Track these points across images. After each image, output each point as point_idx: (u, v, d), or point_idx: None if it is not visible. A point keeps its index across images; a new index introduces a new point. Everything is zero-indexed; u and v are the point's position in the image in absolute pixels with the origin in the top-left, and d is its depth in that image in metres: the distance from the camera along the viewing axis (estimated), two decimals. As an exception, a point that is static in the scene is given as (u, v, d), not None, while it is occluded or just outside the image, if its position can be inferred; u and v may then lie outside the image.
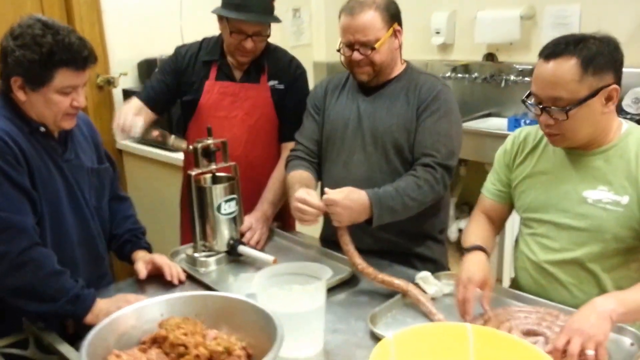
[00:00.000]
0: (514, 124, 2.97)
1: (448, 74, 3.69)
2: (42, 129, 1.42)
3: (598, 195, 1.39)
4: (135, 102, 1.98)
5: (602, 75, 1.31)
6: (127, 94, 2.92)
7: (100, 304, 1.36)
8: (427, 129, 1.66)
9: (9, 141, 1.33)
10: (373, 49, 1.62)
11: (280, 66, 1.99)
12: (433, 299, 1.38)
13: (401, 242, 1.72)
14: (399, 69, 1.76)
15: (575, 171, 1.44)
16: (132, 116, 1.76)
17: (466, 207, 3.82)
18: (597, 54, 1.31)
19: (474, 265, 1.38)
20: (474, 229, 1.60)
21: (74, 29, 1.42)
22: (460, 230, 3.55)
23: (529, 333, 1.18)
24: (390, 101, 1.70)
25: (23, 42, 1.33)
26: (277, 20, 1.92)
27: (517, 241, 1.64)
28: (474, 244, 1.48)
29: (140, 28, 3.02)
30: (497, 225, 1.65)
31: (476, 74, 3.58)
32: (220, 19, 1.90)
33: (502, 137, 2.89)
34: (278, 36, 3.56)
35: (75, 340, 1.31)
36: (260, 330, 1.08)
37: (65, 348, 1.28)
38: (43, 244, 1.40)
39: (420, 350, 1.02)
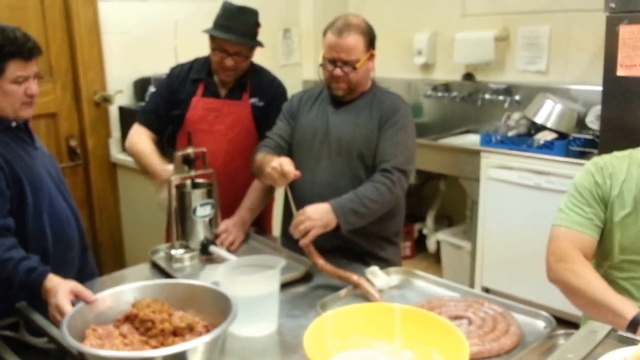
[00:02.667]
0: (486, 139, 3.14)
1: (429, 93, 3.88)
2: (14, 123, 1.61)
3: None
4: (142, 131, 2.18)
5: None
6: (123, 111, 3.12)
7: (51, 281, 1.43)
8: (387, 139, 1.84)
9: None
10: (354, 68, 1.81)
11: (262, 85, 2.19)
12: (380, 290, 1.55)
13: (359, 243, 1.88)
14: (367, 87, 1.95)
15: None
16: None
17: (445, 220, 3.98)
18: None
19: None
20: (599, 282, 1.40)
21: (19, 27, 1.61)
22: (438, 242, 3.71)
23: (456, 317, 1.34)
24: (356, 114, 1.89)
25: None
26: (257, 44, 2.12)
27: None
28: (634, 315, 1.30)
29: (136, 48, 3.21)
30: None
31: (455, 93, 3.77)
32: (210, 39, 2.11)
33: (476, 153, 3.12)
34: (269, 55, 3.81)
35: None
36: (221, 312, 1.24)
37: (54, 331, 1.41)
38: (41, 226, 1.59)
39: (354, 326, 1.19)
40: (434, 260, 3.82)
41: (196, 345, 1.13)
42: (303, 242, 1.63)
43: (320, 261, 1.62)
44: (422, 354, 1.14)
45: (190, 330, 1.23)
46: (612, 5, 2.51)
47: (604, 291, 1.39)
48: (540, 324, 1.35)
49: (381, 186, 1.77)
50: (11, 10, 2.79)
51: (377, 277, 1.58)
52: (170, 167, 1.91)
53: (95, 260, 3.16)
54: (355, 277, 1.55)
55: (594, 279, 1.43)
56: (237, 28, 2.05)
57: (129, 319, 1.26)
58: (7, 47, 1.53)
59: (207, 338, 1.15)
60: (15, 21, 2.73)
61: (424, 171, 3.51)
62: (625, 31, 2.46)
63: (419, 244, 4.03)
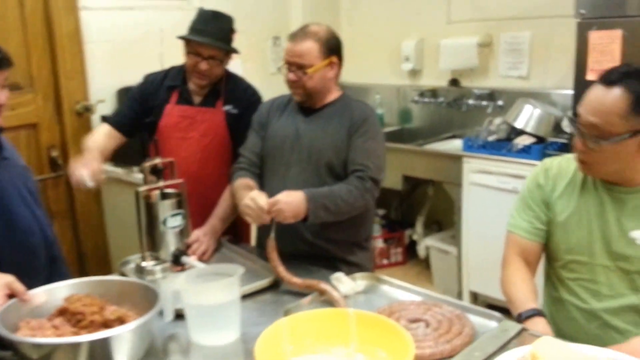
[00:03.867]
0: (467, 144, 3.16)
1: (417, 98, 3.91)
2: None
3: None
4: (102, 128, 2.22)
5: None
6: (105, 121, 3.13)
7: None
8: (358, 147, 1.86)
9: None
10: (305, 73, 1.83)
11: (236, 93, 2.19)
12: (346, 296, 1.55)
13: (330, 249, 1.89)
14: (334, 95, 1.96)
15: (619, 210, 1.37)
16: (79, 171, 1.89)
17: (435, 225, 3.99)
18: None
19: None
20: (520, 284, 1.46)
21: None
22: (427, 248, 3.71)
23: (414, 320, 1.35)
24: (326, 122, 1.90)
25: None
26: (231, 49, 2.13)
27: (551, 285, 1.55)
28: (532, 307, 1.37)
29: (120, 57, 3.21)
30: (534, 267, 1.54)
31: (442, 98, 3.80)
32: (185, 43, 2.12)
33: (458, 158, 3.13)
34: (259, 63, 3.83)
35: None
36: (152, 305, 1.31)
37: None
38: None
39: (310, 331, 1.19)
40: (425, 266, 3.83)
41: (119, 333, 1.21)
42: (272, 219, 1.66)
43: (286, 275, 1.63)
44: (373, 357, 1.14)
45: (120, 322, 1.29)
46: (582, 11, 2.55)
47: (516, 291, 1.44)
48: (493, 324, 1.36)
49: (354, 190, 1.80)
50: (-10, 20, 2.80)
51: (343, 283, 1.58)
52: (84, 172, 1.89)
53: (80, 270, 3.20)
54: (320, 285, 1.55)
55: (516, 282, 1.47)
56: (211, 32, 2.07)
57: (62, 313, 1.33)
58: None
59: (130, 326, 1.23)
60: (-5, 30, 2.77)
61: (411, 177, 3.53)
62: (594, 37, 2.49)
63: (410, 250, 4.03)
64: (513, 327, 1.18)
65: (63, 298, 1.36)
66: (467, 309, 1.43)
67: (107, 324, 1.29)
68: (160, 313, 1.44)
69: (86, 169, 1.90)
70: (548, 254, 1.55)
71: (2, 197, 1.67)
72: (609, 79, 1.27)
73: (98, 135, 2.19)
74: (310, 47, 1.83)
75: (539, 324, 1.34)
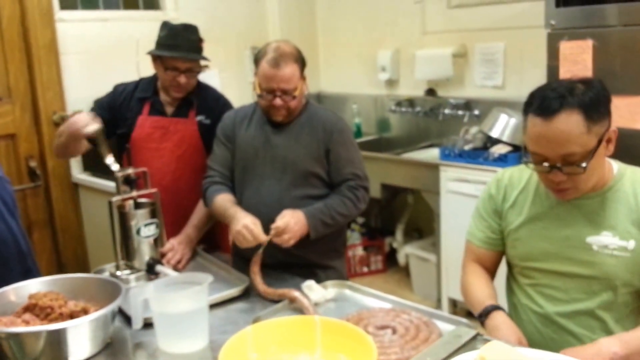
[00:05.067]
0: (444, 153, 3.20)
1: (394, 108, 3.95)
2: None
3: (603, 241, 1.34)
4: None
5: (602, 120, 1.29)
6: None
7: None
8: (342, 158, 1.91)
9: None
10: (294, 97, 1.84)
11: (208, 103, 2.21)
12: (316, 303, 1.57)
13: (309, 256, 1.91)
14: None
15: (574, 216, 1.39)
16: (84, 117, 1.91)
17: (416, 233, 4.02)
18: (594, 101, 1.27)
19: (507, 328, 1.36)
20: (478, 285, 1.51)
21: None
22: (407, 256, 3.74)
23: (382, 327, 1.37)
24: (296, 133, 1.92)
25: None
26: (205, 58, 2.15)
27: (510, 290, 1.58)
28: (490, 304, 1.42)
29: (97, 67, 3.23)
30: (492, 272, 1.58)
31: (419, 108, 3.84)
32: (155, 59, 2.13)
33: (435, 166, 3.17)
34: (237, 72, 3.85)
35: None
36: (112, 299, 1.41)
37: None
38: None
39: (275, 339, 1.21)
40: (406, 274, 3.85)
41: (88, 319, 1.34)
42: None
43: (262, 287, 1.67)
44: (336, 364, 1.16)
45: (85, 313, 1.40)
46: (553, 22, 2.60)
47: (474, 292, 1.49)
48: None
49: (348, 201, 1.87)
50: (-33, 32, 2.81)
51: (313, 290, 1.60)
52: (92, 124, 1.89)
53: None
54: (291, 293, 1.57)
55: (470, 284, 1.53)
56: (184, 45, 2.07)
57: (29, 309, 1.41)
58: None
59: (94, 315, 1.35)
60: (-29, 42, 2.77)
61: (390, 185, 3.56)
62: (565, 47, 2.55)
63: (391, 258, 4.05)
64: (467, 332, 1.20)
65: (27, 296, 1.45)
66: (436, 316, 1.45)
67: (72, 315, 1.39)
68: (130, 321, 1.46)
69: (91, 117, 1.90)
70: (507, 261, 1.58)
71: None
72: (549, 110, 1.26)
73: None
74: (293, 71, 1.82)
75: (498, 318, 1.38)
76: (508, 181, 1.52)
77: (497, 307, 1.42)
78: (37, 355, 1.30)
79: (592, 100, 1.27)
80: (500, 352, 1.06)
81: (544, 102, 1.28)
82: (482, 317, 1.42)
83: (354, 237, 3.97)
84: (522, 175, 1.51)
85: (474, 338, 1.21)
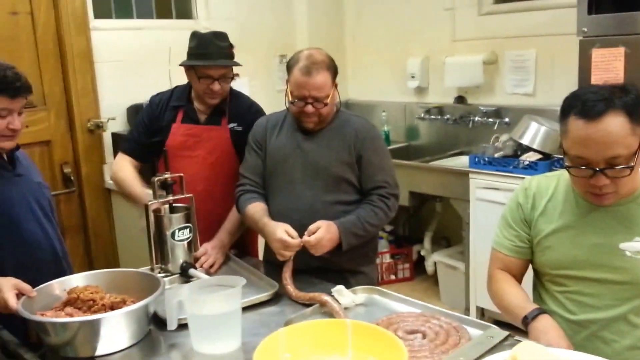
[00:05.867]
0: (474, 161, 3.18)
1: (423, 115, 3.94)
2: None
3: (637, 247, 1.34)
4: (123, 159, 2.25)
5: None
6: (116, 138, 3.20)
7: None
8: (374, 165, 1.92)
9: None
10: (325, 104, 1.86)
11: (240, 110, 2.24)
12: (346, 308, 1.58)
13: (341, 262, 1.92)
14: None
15: (606, 223, 1.39)
16: None
17: (444, 241, 3.99)
18: (637, 103, 1.29)
19: (556, 332, 1.34)
20: (514, 291, 1.50)
21: (13, 66, 1.73)
22: (435, 263, 3.72)
23: (412, 332, 1.37)
24: (328, 140, 1.94)
25: None
26: (237, 64, 2.18)
27: (539, 298, 1.57)
28: (536, 307, 1.42)
29: (130, 75, 3.30)
30: (519, 279, 1.58)
31: (448, 115, 3.83)
32: (188, 69, 2.17)
33: (465, 174, 3.15)
34: (266, 80, 3.90)
35: (36, 347, 1.54)
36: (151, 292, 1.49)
37: (28, 355, 1.50)
38: None
39: (307, 340, 1.22)
40: (433, 282, 3.83)
41: (133, 308, 1.44)
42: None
43: (294, 291, 1.69)
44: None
45: (123, 303, 1.51)
46: (585, 29, 2.58)
47: (511, 298, 1.48)
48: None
49: (380, 211, 1.89)
50: (4, 40, 2.89)
51: (343, 295, 1.61)
52: (150, 192, 1.96)
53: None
54: (322, 297, 1.58)
55: (505, 290, 1.51)
56: (215, 53, 2.11)
57: (70, 302, 1.51)
58: None
59: (137, 305, 1.45)
60: (9, 50, 2.86)
61: (418, 193, 3.55)
62: (597, 54, 2.53)
63: (418, 266, 4.04)
64: (499, 334, 1.20)
65: (65, 291, 1.56)
66: (466, 321, 1.45)
67: (113, 307, 1.49)
68: (163, 324, 1.48)
69: None
70: (535, 269, 1.57)
71: (10, 212, 1.75)
72: (594, 112, 1.27)
73: (125, 166, 2.24)
74: (325, 78, 1.84)
75: (546, 321, 1.37)
76: (536, 189, 1.51)
77: (543, 311, 1.41)
78: (78, 343, 1.40)
79: (635, 102, 1.28)
80: (532, 351, 1.06)
81: (587, 105, 1.28)
82: (527, 320, 1.40)
83: (382, 245, 3.96)
84: (549, 183, 1.50)
85: (505, 339, 1.20)
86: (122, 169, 2.22)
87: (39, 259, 1.82)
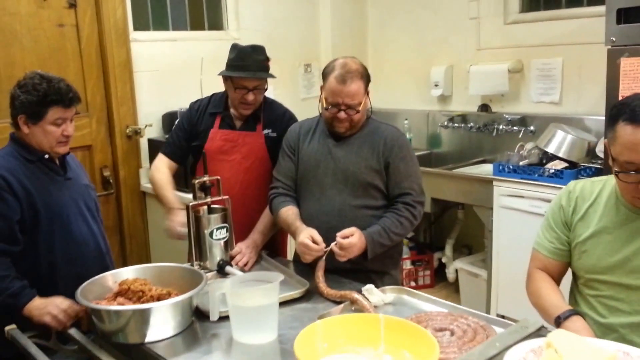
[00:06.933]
0: (498, 168, 3.22)
1: (446, 123, 3.98)
2: (46, 156, 1.89)
3: None
4: (161, 161, 2.39)
5: None
6: (152, 143, 3.34)
7: (36, 301, 1.75)
8: (401, 172, 2.01)
9: (7, 177, 1.79)
10: (357, 111, 1.96)
11: (274, 117, 2.35)
12: (376, 306, 1.66)
13: (369, 264, 2.00)
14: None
15: None
16: (179, 230, 2.13)
17: (465, 249, 4.03)
18: None
19: (587, 333, 1.37)
20: (551, 291, 1.55)
21: (64, 79, 1.90)
22: (457, 271, 3.76)
23: (440, 329, 1.45)
24: (358, 146, 2.03)
25: (25, 89, 1.82)
26: (272, 76, 2.29)
27: (574, 300, 1.62)
28: (570, 308, 1.47)
29: (165, 84, 3.46)
30: (557, 280, 1.63)
31: (472, 123, 3.86)
32: (225, 79, 2.28)
33: (489, 181, 3.20)
34: (291, 89, 4.02)
35: (87, 333, 1.68)
36: (194, 286, 1.61)
37: (83, 339, 1.65)
38: (51, 245, 1.85)
39: (343, 333, 1.31)
40: (454, 290, 3.85)
41: (178, 300, 1.57)
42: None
43: (325, 289, 1.79)
44: (400, 357, 1.25)
45: (169, 295, 1.63)
46: (613, 39, 2.62)
47: (548, 298, 1.54)
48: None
49: (405, 220, 1.98)
50: (52, 51, 3.07)
51: (373, 294, 1.70)
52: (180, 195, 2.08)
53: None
54: (352, 295, 1.67)
55: (543, 290, 1.56)
56: (252, 65, 2.22)
57: (120, 293, 1.64)
58: (51, 96, 1.82)
59: (184, 296, 1.57)
60: (57, 61, 3.04)
61: (441, 200, 3.59)
62: (625, 63, 2.55)
63: (439, 273, 4.07)
64: (533, 324, 1.26)
65: (117, 283, 1.70)
66: (492, 321, 1.51)
67: (160, 298, 1.61)
68: (206, 315, 1.59)
69: (183, 227, 2.09)
70: (572, 271, 1.62)
71: (62, 214, 1.91)
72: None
73: (162, 168, 2.37)
74: (359, 87, 1.94)
75: (578, 322, 1.42)
76: (579, 193, 1.56)
77: (577, 312, 1.46)
78: (129, 330, 1.52)
79: None
80: (566, 338, 1.13)
81: (636, 111, 1.32)
82: (559, 319, 1.46)
83: (403, 252, 4.00)
84: (594, 188, 1.54)
85: (539, 330, 1.26)
86: (159, 170, 2.35)
87: (86, 255, 1.95)
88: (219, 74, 2.29)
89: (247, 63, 2.21)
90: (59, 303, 1.73)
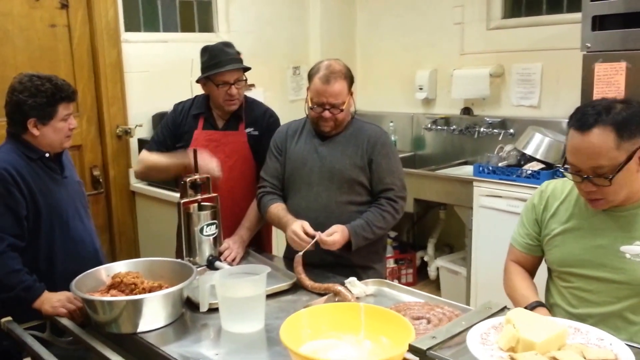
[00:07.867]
0: (478, 169, 3.32)
1: (430, 126, 4.08)
2: (47, 154, 1.94)
3: (636, 250, 1.46)
4: (145, 153, 2.44)
5: (635, 139, 1.39)
6: (142, 143, 3.39)
7: (47, 294, 1.81)
8: (384, 169, 2.10)
9: (13, 173, 1.83)
10: (341, 110, 2.05)
11: (255, 116, 2.42)
12: (358, 297, 1.75)
13: (353, 259, 2.09)
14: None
15: (609, 227, 1.50)
16: (211, 163, 2.19)
17: (447, 247, 4.12)
18: (628, 119, 1.38)
19: None
20: (520, 283, 1.66)
21: (57, 76, 1.95)
22: (438, 269, 3.87)
23: (417, 318, 1.54)
24: (343, 145, 2.12)
25: (29, 92, 1.85)
26: (248, 68, 2.34)
27: (548, 291, 1.71)
28: (535, 300, 1.56)
29: (155, 85, 3.51)
30: (531, 272, 1.73)
31: (454, 126, 3.96)
32: (206, 82, 2.33)
33: (469, 182, 3.30)
34: (279, 91, 4.09)
35: (82, 326, 1.74)
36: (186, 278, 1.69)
37: (77, 330, 1.71)
38: (51, 243, 1.90)
39: (326, 320, 1.40)
40: (435, 287, 3.94)
41: (170, 291, 1.65)
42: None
43: (310, 283, 1.87)
44: (378, 343, 1.34)
45: (160, 288, 1.69)
46: (588, 45, 2.73)
47: (519, 290, 1.64)
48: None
49: (387, 215, 2.06)
50: (44, 51, 3.12)
51: (355, 286, 1.78)
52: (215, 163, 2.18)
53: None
54: (335, 287, 1.76)
55: (515, 282, 1.67)
56: (227, 59, 2.28)
57: (113, 286, 1.70)
58: (59, 94, 1.89)
59: (175, 288, 1.65)
60: (47, 60, 3.08)
61: (424, 200, 3.68)
62: (600, 69, 2.67)
63: (421, 271, 4.17)
64: (496, 305, 1.36)
65: (109, 276, 1.77)
66: (467, 311, 1.60)
67: (151, 291, 1.67)
68: (196, 306, 1.67)
69: (214, 160, 2.16)
70: (547, 265, 1.71)
71: (61, 212, 1.97)
72: (585, 125, 1.40)
73: (151, 155, 2.42)
74: (342, 87, 2.03)
75: (541, 312, 1.49)
76: (551, 192, 1.65)
77: (542, 304, 1.57)
78: (122, 320, 1.59)
79: (626, 119, 1.39)
80: (523, 315, 1.23)
81: (582, 117, 1.42)
82: (526, 309, 1.52)
83: (386, 250, 4.09)
84: (565, 187, 1.63)
85: (501, 310, 1.36)
86: (149, 156, 2.40)
87: (83, 253, 2.02)
88: (198, 80, 2.35)
89: (223, 59, 2.27)
90: (69, 295, 1.78)
